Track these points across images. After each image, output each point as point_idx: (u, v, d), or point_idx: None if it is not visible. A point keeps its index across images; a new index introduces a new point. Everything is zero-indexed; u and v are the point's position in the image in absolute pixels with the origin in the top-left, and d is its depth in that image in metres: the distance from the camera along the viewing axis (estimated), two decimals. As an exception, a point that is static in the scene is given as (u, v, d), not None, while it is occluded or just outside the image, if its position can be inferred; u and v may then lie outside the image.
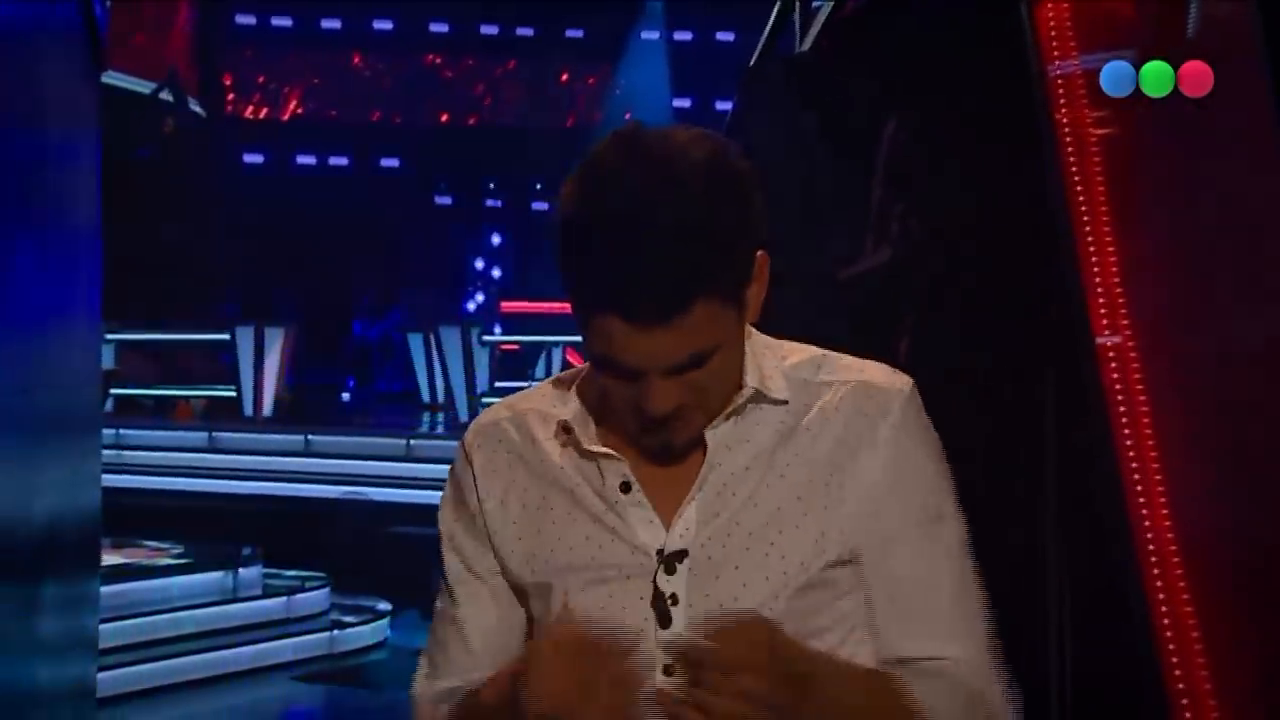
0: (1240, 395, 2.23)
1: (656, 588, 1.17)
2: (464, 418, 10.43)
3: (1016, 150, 2.54)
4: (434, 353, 11.20)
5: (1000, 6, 2.56)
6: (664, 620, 1.17)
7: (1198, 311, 2.31)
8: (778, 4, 3.98)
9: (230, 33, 16.46)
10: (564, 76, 17.13)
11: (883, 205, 3.01)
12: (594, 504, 1.21)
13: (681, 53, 16.38)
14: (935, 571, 1.20)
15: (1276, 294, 2.18)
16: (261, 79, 16.83)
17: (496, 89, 17.13)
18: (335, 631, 6.78)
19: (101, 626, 4.13)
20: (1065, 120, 2.40)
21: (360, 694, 6.39)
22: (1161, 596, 2.20)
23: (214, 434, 9.76)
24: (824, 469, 1.19)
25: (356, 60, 17.06)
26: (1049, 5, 2.44)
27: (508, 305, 15.27)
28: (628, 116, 16.21)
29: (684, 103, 16.14)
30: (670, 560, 1.18)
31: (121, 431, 9.47)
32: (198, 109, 14.38)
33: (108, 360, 10.44)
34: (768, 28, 4.05)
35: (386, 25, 16.73)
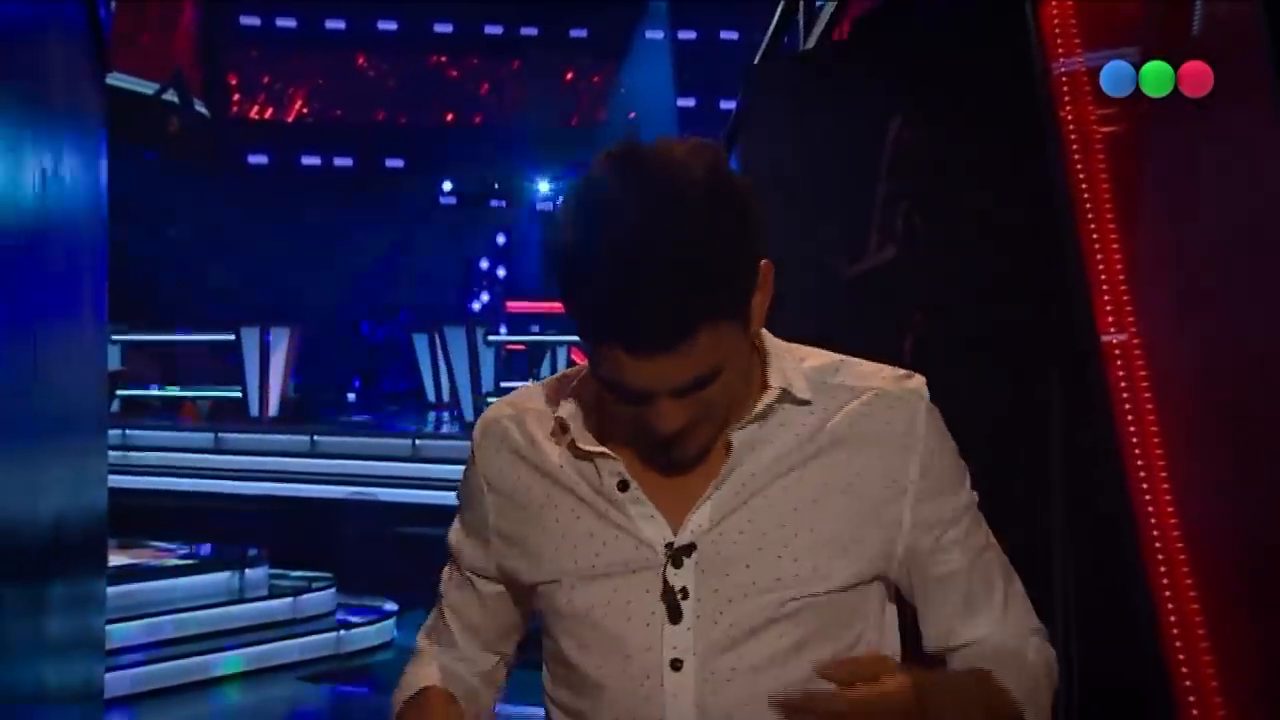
0: (1245, 392, 2.23)
1: (666, 582, 1.17)
2: (469, 417, 10.45)
3: (1022, 149, 2.54)
4: (439, 353, 11.21)
5: (1005, 5, 2.56)
6: (674, 614, 1.17)
7: (1203, 309, 2.31)
8: (782, 3, 3.98)
9: (235, 33, 16.50)
10: (568, 75, 17.13)
11: (887, 203, 3.01)
12: (595, 501, 1.21)
13: (686, 52, 16.39)
14: (982, 560, 1.24)
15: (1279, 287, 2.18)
16: (266, 79, 16.86)
17: (501, 89, 17.15)
18: (341, 632, 6.79)
19: (108, 627, 4.14)
20: (1069, 118, 2.40)
21: (366, 694, 6.40)
22: (1168, 594, 2.19)
23: (220, 435, 9.78)
24: (851, 482, 1.19)
25: (361, 61, 17.08)
26: (1053, 4, 2.44)
27: (513, 305, 15.29)
28: (632, 116, 16.26)
29: (688, 102, 16.15)
30: (678, 554, 1.18)
31: (127, 432, 9.49)
32: (202, 110, 14.40)
33: (113, 361, 10.46)
34: (772, 26, 4.05)
35: (391, 26, 16.75)
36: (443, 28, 16.79)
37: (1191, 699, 2.14)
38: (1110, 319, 2.33)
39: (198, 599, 6.50)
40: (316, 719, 6.40)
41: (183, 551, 7.11)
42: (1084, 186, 2.38)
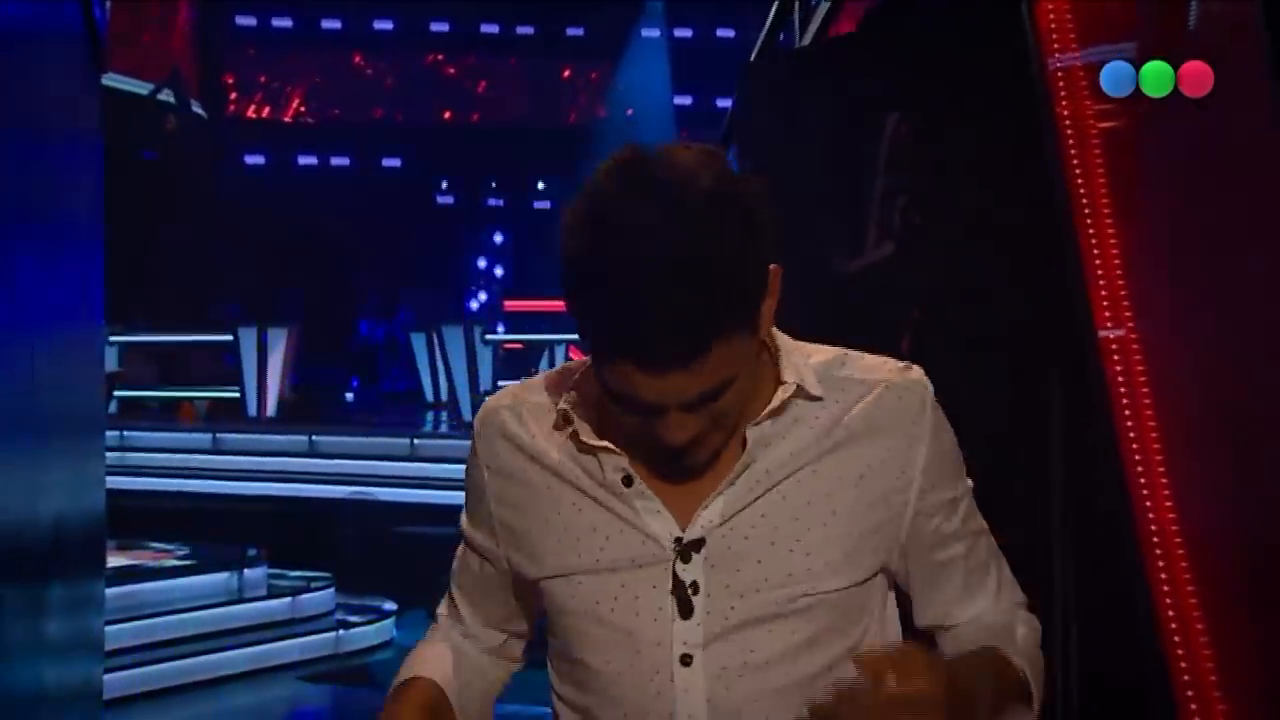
0: (1243, 388, 2.23)
1: (676, 576, 1.17)
2: (468, 417, 10.45)
3: (1020, 145, 2.54)
4: (437, 352, 11.21)
5: (1001, 2, 2.56)
6: (684, 609, 1.17)
7: (1201, 304, 2.31)
8: (777, 1, 3.98)
9: (231, 33, 16.48)
10: (566, 73, 17.13)
11: (885, 200, 3.01)
12: (598, 494, 1.20)
13: (682, 50, 16.38)
14: (978, 545, 1.25)
15: (1278, 285, 2.18)
16: (263, 78, 16.85)
17: (497, 88, 17.14)
18: (341, 631, 6.79)
19: (107, 628, 4.14)
20: (1066, 113, 2.40)
21: (366, 694, 6.39)
22: (1166, 590, 2.20)
23: (218, 435, 9.77)
24: (861, 476, 1.19)
25: (358, 60, 17.07)
26: (1049, 0, 2.44)
27: (510, 304, 15.29)
28: (630, 113, 16.26)
29: (685, 100, 16.15)
30: (687, 549, 1.17)
31: (125, 433, 9.48)
32: (199, 110, 14.38)
33: (111, 362, 10.45)
34: (768, 24, 4.05)
35: (387, 25, 16.73)
36: (439, 27, 16.78)
37: (1190, 693, 2.14)
38: (1108, 314, 2.33)
39: (196, 599, 6.49)
40: (316, 719, 6.39)
41: (181, 552, 7.11)
42: (1080, 181, 2.38)
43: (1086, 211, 2.37)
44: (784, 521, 1.17)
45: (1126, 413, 2.27)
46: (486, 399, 1.32)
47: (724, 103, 13.22)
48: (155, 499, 8.66)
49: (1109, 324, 2.32)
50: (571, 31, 16.72)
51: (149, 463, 9.31)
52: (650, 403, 1.10)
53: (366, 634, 6.85)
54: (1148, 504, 2.23)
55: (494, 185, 16.81)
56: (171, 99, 13.48)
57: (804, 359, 1.22)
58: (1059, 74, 2.42)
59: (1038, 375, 2.47)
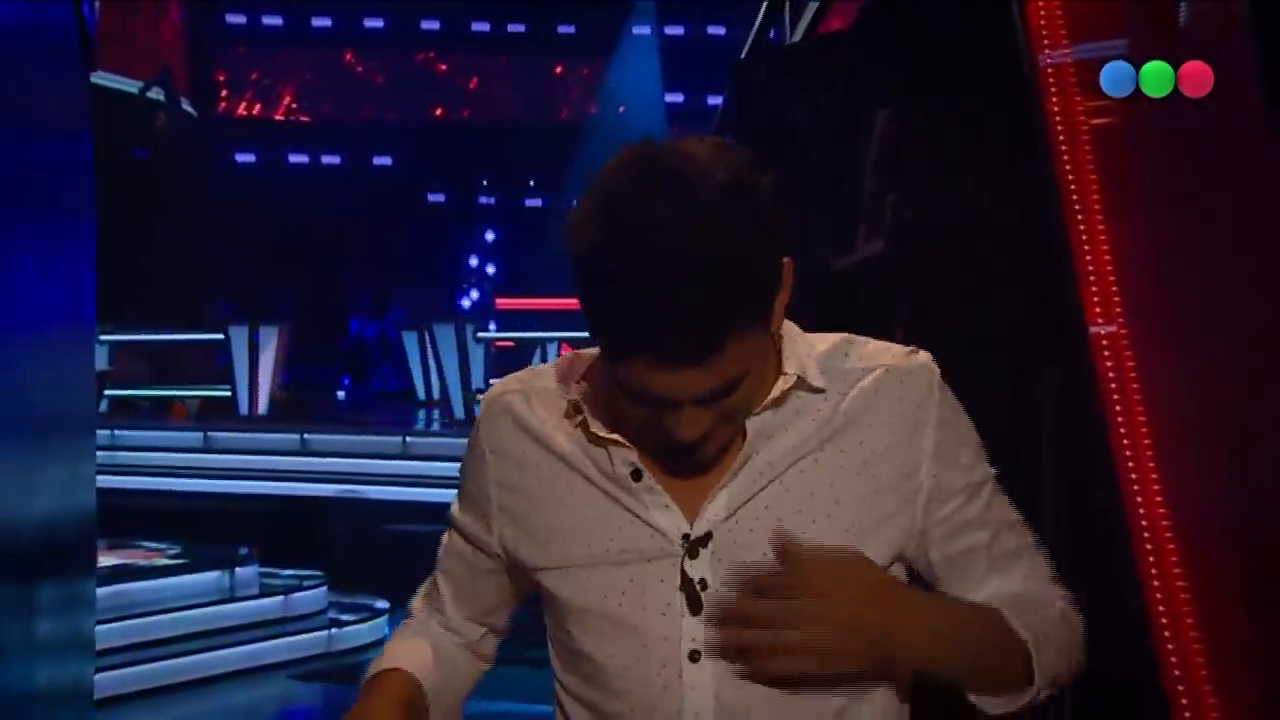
0: (1234, 385, 2.24)
1: (685, 573, 1.16)
2: (460, 415, 10.44)
3: (1011, 142, 2.54)
4: (429, 350, 11.20)
5: (989, 1, 2.56)
6: (694, 605, 1.15)
7: (1192, 301, 2.31)
8: (768, -2, 3.98)
9: (222, 31, 16.44)
10: (557, 70, 17.11)
11: (875, 196, 3.01)
12: (606, 486, 1.19)
13: (673, 47, 16.38)
14: (1001, 540, 1.22)
15: (1270, 283, 2.19)
16: (254, 76, 16.81)
17: (488, 86, 17.12)
18: (333, 630, 6.78)
19: (99, 628, 4.13)
20: (1056, 110, 2.41)
21: (358, 692, 6.39)
22: (1157, 585, 2.20)
23: (209, 434, 9.75)
24: (865, 463, 1.18)
25: (348, 58, 17.04)
26: (1040, -4, 2.44)
27: (502, 302, 15.28)
28: (621, 110, 16.25)
29: (676, 97, 16.15)
30: (694, 545, 1.16)
31: (116, 432, 9.46)
32: (189, 108, 14.34)
33: (101, 361, 10.42)
34: (758, 21, 4.05)
35: (378, 23, 16.70)
36: (429, 25, 16.76)
37: (1181, 687, 2.14)
38: (1098, 310, 2.33)
39: (188, 598, 6.48)
40: (308, 717, 6.39)
41: (173, 551, 7.09)
42: (1071, 178, 2.38)
43: (1077, 208, 2.37)
44: (788, 514, 1.16)
45: (1117, 409, 2.28)
46: (493, 384, 1.31)
47: (715, 100, 13.22)
48: (147, 498, 8.64)
49: (1100, 320, 2.33)
50: (562, 29, 16.71)
51: (140, 461, 9.29)
52: (662, 398, 1.09)
53: (359, 632, 6.84)
54: (1139, 500, 2.24)
55: (485, 183, 16.79)
56: (162, 97, 13.44)
57: (808, 349, 1.20)
58: (1050, 71, 2.42)
59: (1029, 373, 2.47)
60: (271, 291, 13.92)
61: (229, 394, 10.85)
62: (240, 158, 16.43)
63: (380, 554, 7.87)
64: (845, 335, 1.24)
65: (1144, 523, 2.23)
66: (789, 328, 1.21)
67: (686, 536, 1.16)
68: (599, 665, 1.19)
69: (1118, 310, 2.33)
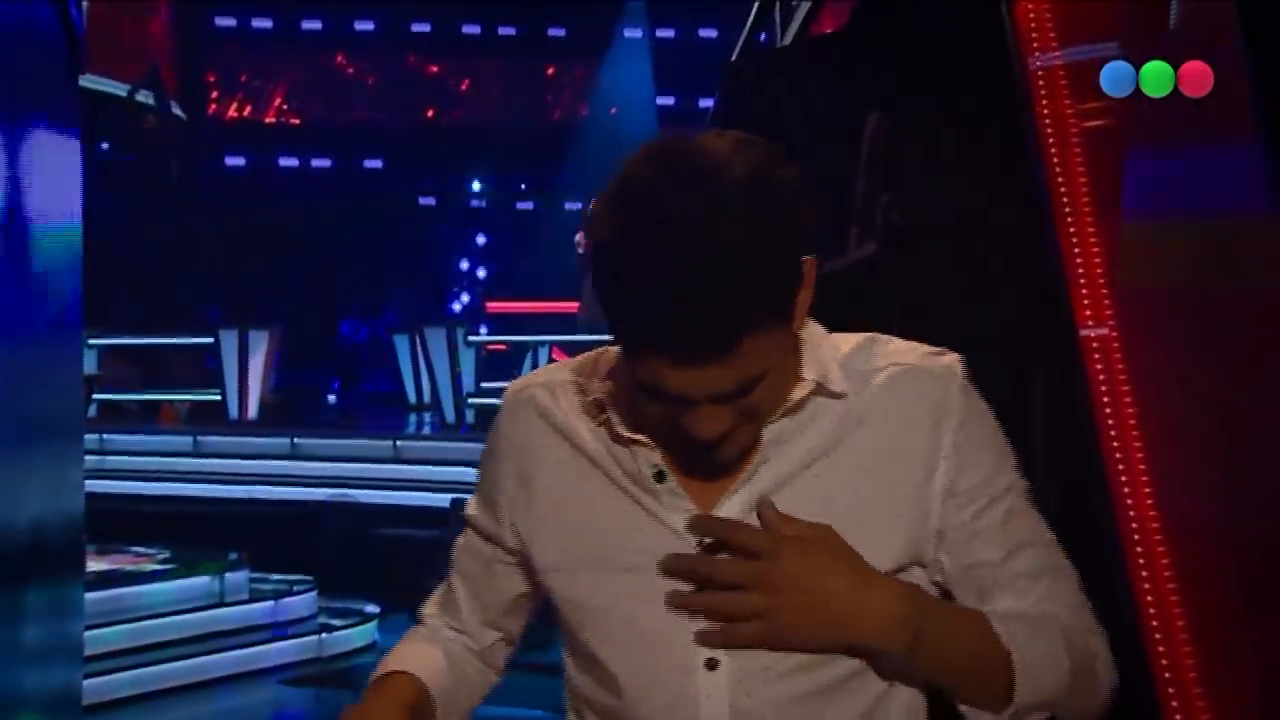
0: (1226, 388, 2.24)
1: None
2: (450, 419, 10.40)
3: (1002, 145, 2.55)
4: (419, 353, 11.16)
5: (982, 1, 2.57)
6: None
7: (1182, 303, 2.32)
8: (758, 1, 3.98)
9: (211, 34, 16.40)
10: (549, 71, 17.11)
11: (866, 199, 3.01)
12: (628, 487, 1.17)
13: (664, 50, 16.39)
14: (1024, 554, 1.19)
15: (1260, 284, 2.19)
16: (244, 77, 16.77)
17: (479, 89, 17.10)
18: (323, 635, 6.76)
19: (87, 633, 4.11)
20: (1047, 113, 2.41)
21: (350, 697, 6.35)
22: (1147, 587, 2.20)
23: (199, 438, 9.72)
24: (880, 463, 1.15)
25: (339, 60, 17.02)
26: (1028, 1, 2.45)
27: (493, 305, 15.24)
28: (613, 112, 16.24)
29: (667, 100, 16.14)
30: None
31: (105, 437, 9.41)
32: (178, 112, 14.30)
33: (90, 365, 10.37)
34: (749, 24, 4.05)
35: (368, 25, 16.68)
36: (420, 27, 16.74)
37: (1171, 690, 2.14)
38: (1089, 313, 2.33)
39: (178, 603, 6.45)
40: (299, 722, 6.36)
41: (162, 556, 7.06)
42: (1061, 181, 2.39)
43: (1067, 211, 2.37)
44: (802, 516, 1.14)
45: (1108, 411, 2.28)
46: (514, 379, 1.29)
47: (706, 102, 13.22)
48: (135, 502, 8.60)
49: (1090, 323, 2.33)
50: (553, 32, 16.70)
51: (129, 466, 9.25)
52: (681, 394, 1.07)
53: (350, 637, 6.82)
54: (1129, 502, 2.24)
55: (476, 187, 16.77)
56: (151, 100, 13.39)
57: (832, 352, 1.18)
58: (1039, 74, 2.43)
59: (1022, 375, 2.47)
60: (261, 295, 13.88)
61: (219, 398, 10.81)
62: (230, 160, 16.39)
63: (371, 558, 7.85)
64: (870, 335, 1.22)
65: (1134, 525, 2.23)
66: (813, 330, 1.19)
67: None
68: (613, 670, 1.17)
69: (1108, 313, 2.33)
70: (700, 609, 1.11)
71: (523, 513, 1.22)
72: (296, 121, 16.94)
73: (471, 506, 1.28)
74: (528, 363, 11.83)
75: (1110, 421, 2.27)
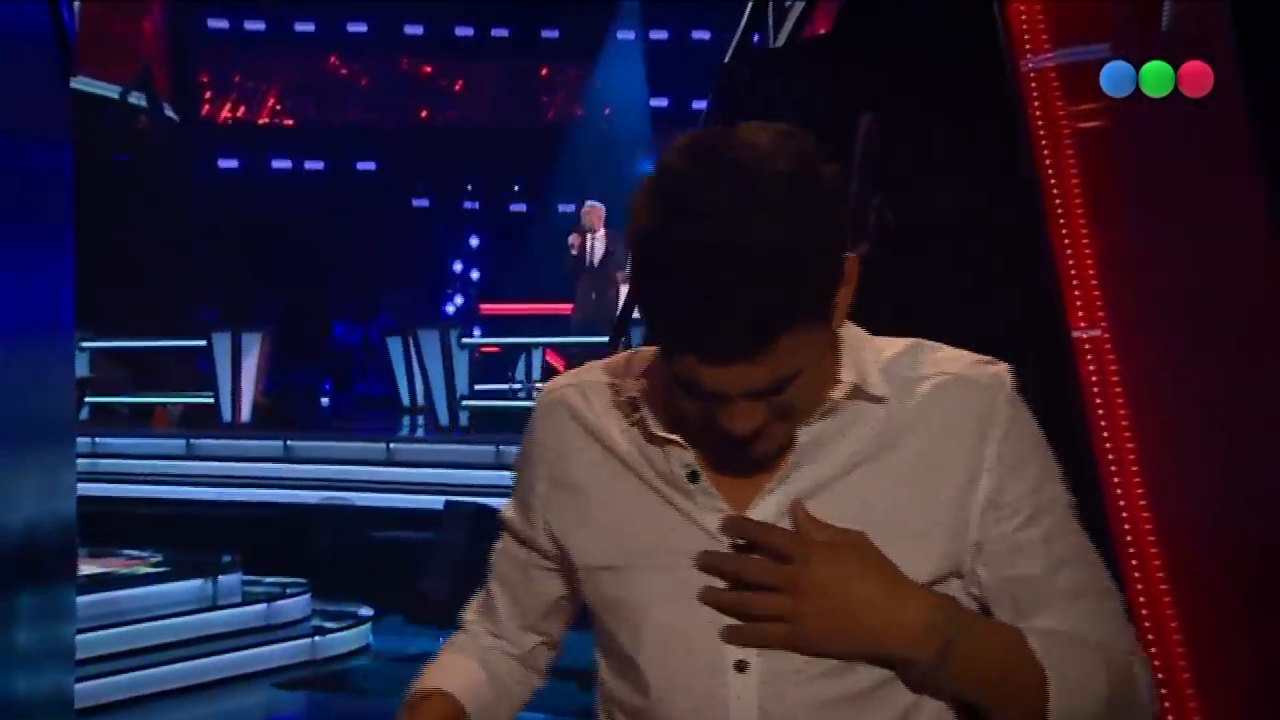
0: (1217, 388, 2.25)
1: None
2: (444, 421, 10.38)
3: (995, 145, 2.55)
4: (413, 356, 11.15)
5: (974, 4, 2.57)
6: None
7: (1174, 305, 2.32)
8: (751, 2, 3.98)
9: (204, 35, 16.38)
10: (543, 72, 17.11)
11: (859, 199, 3.02)
12: (661, 487, 1.16)
13: (657, 51, 16.39)
14: (1064, 571, 1.16)
15: (1251, 287, 2.20)
16: (238, 79, 16.75)
17: (472, 90, 17.10)
18: (316, 638, 6.74)
19: (80, 636, 4.10)
20: (1039, 115, 2.41)
21: (342, 700, 6.35)
22: (1140, 586, 2.21)
23: (191, 441, 9.70)
24: (921, 471, 1.13)
25: (332, 61, 17.00)
26: (1020, 3, 2.45)
27: (487, 307, 15.22)
28: (607, 113, 16.24)
29: (661, 101, 16.15)
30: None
31: (97, 440, 9.39)
32: (171, 113, 14.28)
33: (82, 368, 10.35)
34: (742, 25, 4.05)
35: (361, 27, 16.67)
36: (413, 29, 16.73)
37: (1164, 690, 2.15)
38: (1081, 314, 2.34)
39: (170, 606, 6.43)
40: (292, 725, 6.35)
41: (155, 559, 7.05)
42: (1053, 182, 2.39)
43: (1060, 213, 2.38)
44: (839, 521, 1.12)
45: (1100, 412, 2.29)
46: (545, 382, 1.27)
47: (699, 104, 13.23)
48: (128, 505, 8.58)
49: (1083, 324, 2.33)
50: (546, 34, 16.70)
51: (121, 469, 9.22)
52: (714, 390, 1.06)
53: (343, 640, 6.80)
54: (1121, 504, 2.24)
55: (470, 188, 16.76)
56: (143, 101, 13.36)
57: (875, 355, 1.16)
58: (1031, 76, 2.43)
59: (1016, 375, 2.48)
60: (254, 297, 13.86)
61: (211, 400, 10.79)
62: (223, 162, 16.36)
63: (364, 561, 7.84)
64: (916, 341, 1.20)
65: (1127, 526, 2.24)
66: (854, 332, 1.17)
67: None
68: (643, 670, 1.16)
69: (1100, 314, 2.34)
70: (727, 606, 1.11)
71: (556, 515, 1.22)
72: (289, 123, 16.93)
73: (507, 510, 1.27)
74: (521, 365, 11.83)
75: (1103, 423, 2.27)
